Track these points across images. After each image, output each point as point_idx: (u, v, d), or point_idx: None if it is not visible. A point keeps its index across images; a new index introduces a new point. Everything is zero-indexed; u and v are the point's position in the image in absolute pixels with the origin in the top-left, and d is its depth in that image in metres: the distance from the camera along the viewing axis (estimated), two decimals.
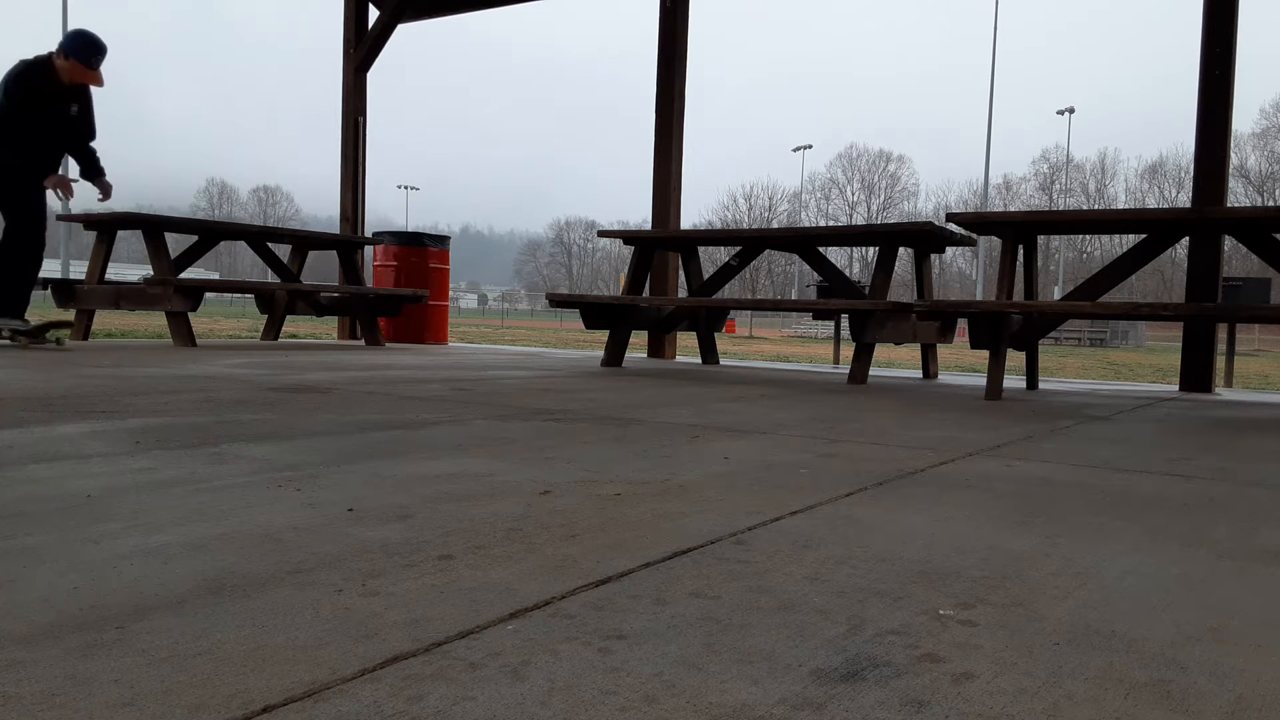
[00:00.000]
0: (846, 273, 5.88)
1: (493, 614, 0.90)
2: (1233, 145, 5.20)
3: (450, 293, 8.15)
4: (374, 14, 7.69)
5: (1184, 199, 61.24)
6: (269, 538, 1.16)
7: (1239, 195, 55.91)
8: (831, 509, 1.45)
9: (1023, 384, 4.61)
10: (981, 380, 4.99)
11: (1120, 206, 57.91)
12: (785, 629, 0.89)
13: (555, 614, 0.91)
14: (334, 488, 1.49)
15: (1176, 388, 4.96)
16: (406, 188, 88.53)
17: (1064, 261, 55.88)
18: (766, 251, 5.83)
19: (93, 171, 5.29)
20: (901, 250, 4.76)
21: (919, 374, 5.52)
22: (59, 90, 4.95)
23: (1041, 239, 4.82)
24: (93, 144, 5.28)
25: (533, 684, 0.74)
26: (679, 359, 6.59)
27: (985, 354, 3.94)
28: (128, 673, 0.73)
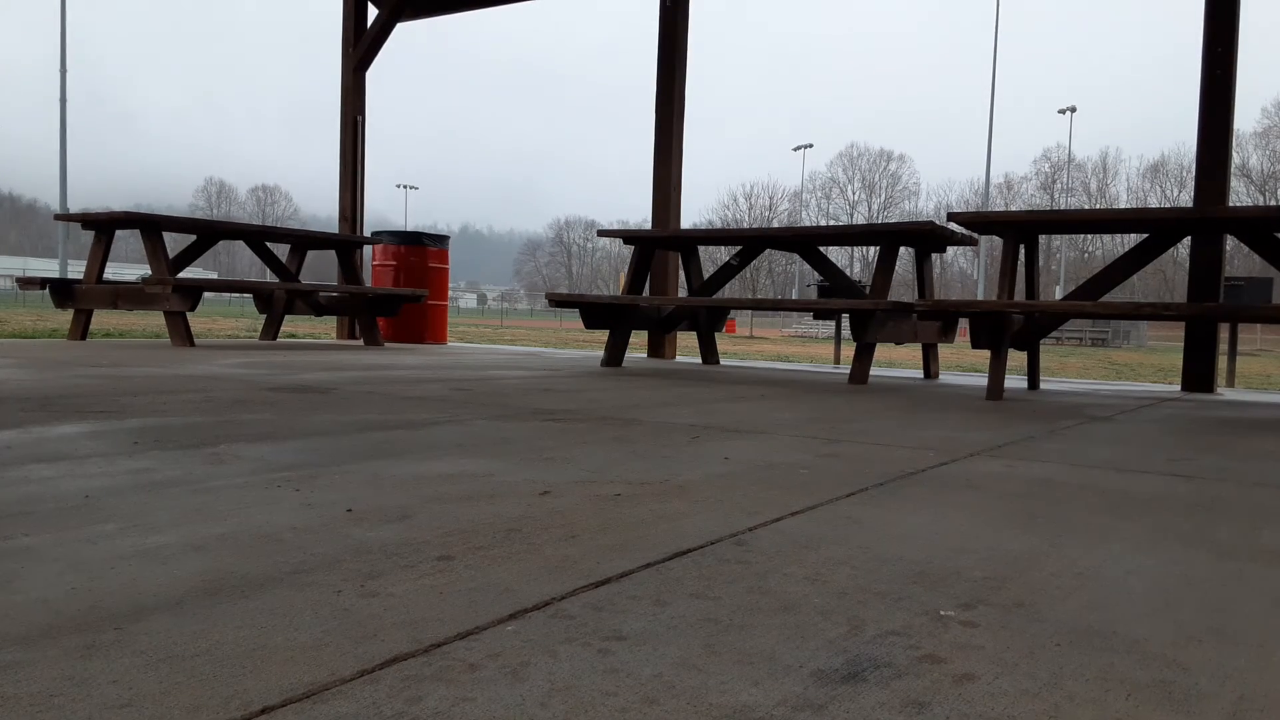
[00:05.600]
0: (847, 272, 5.88)
1: (492, 615, 0.90)
2: (1234, 144, 5.19)
3: (450, 292, 8.15)
4: (373, 13, 7.69)
5: (1186, 198, 61.24)
6: (268, 538, 1.16)
7: (1241, 195, 55.95)
8: (832, 509, 1.45)
9: (1024, 384, 4.61)
10: (983, 380, 4.99)
11: (1122, 206, 57.90)
12: (786, 630, 0.88)
13: (555, 615, 0.91)
14: (333, 488, 1.48)
15: (1178, 388, 4.96)
16: (406, 187, 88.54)
17: (1065, 261, 55.88)
18: (767, 251, 5.82)
19: None
20: (903, 250, 4.75)
21: (920, 374, 5.52)
22: None
23: (1043, 238, 4.81)
24: None
25: (532, 685, 0.74)
26: (679, 359, 6.59)
27: (986, 354, 3.94)
28: (126, 673, 0.73)
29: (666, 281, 6.46)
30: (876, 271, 4.66)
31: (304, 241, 7.04)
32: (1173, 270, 50.08)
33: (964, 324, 4.73)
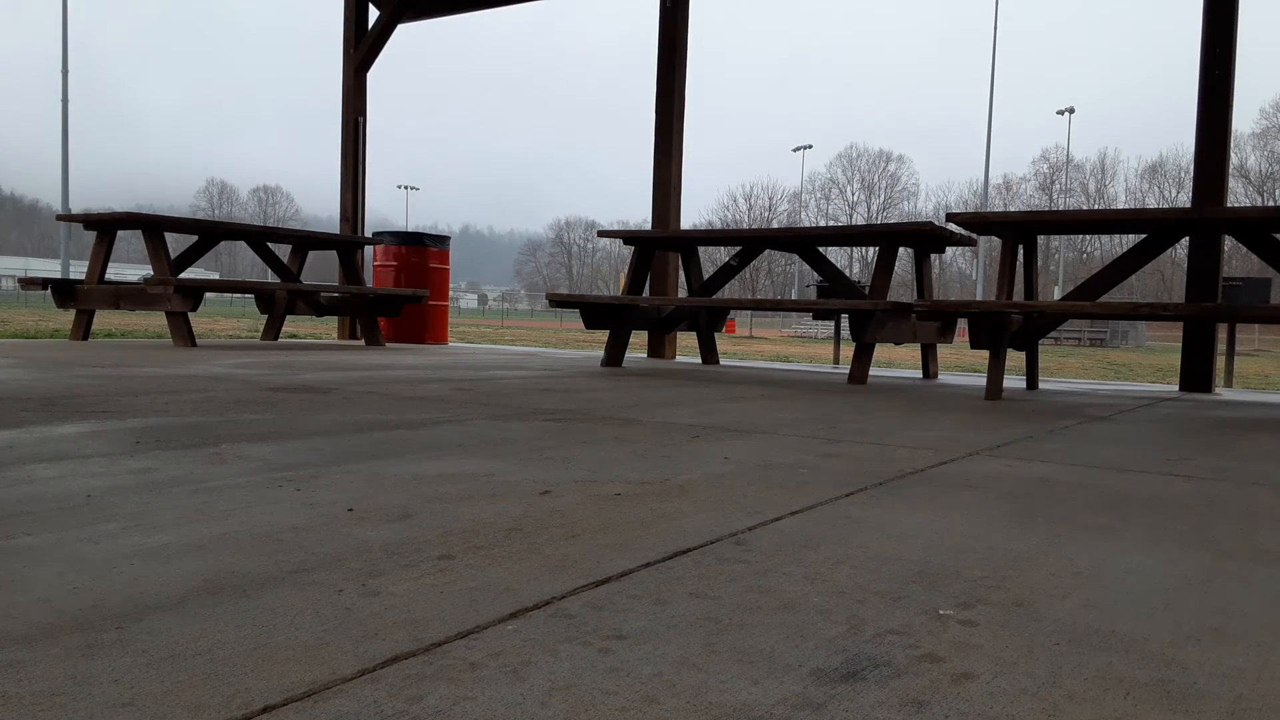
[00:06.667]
0: (846, 273, 5.88)
1: (493, 614, 0.90)
2: (1233, 145, 5.20)
3: (450, 293, 8.15)
4: (374, 14, 7.69)
5: (1184, 199, 61.20)
6: (269, 538, 1.16)
7: (1239, 195, 55.92)
8: (831, 509, 1.45)
9: (1023, 384, 4.61)
10: (981, 380, 4.99)
11: (1120, 206, 57.88)
12: (785, 629, 0.89)
13: (555, 614, 0.91)
14: (334, 488, 1.49)
15: (1177, 388, 4.96)
16: (406, 188, 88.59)
17: (1064, 261, 55.88)
18: (766, 251, 5.83)
19: None
20: (901, 250, 4.76)
21: (919, 374, 5.52)
22: None
23: (1041, 239, 4.83)
24: None
25: (533, 684, 0.74)
26: (679, 359, 6.59)
27: (985, 354, 3.94)
28: (127, 673, 0.73)
29: (666, 282, 6.46)
30: (875, 272, 4.66)
31: (305, 242, 7.04)
32: (1171, 271, 50.08)
33: (963, 324, 4.73)
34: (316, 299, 6.78)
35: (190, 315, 5.81)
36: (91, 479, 1.49)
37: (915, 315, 4.39)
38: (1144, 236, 4.07)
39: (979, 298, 19.91)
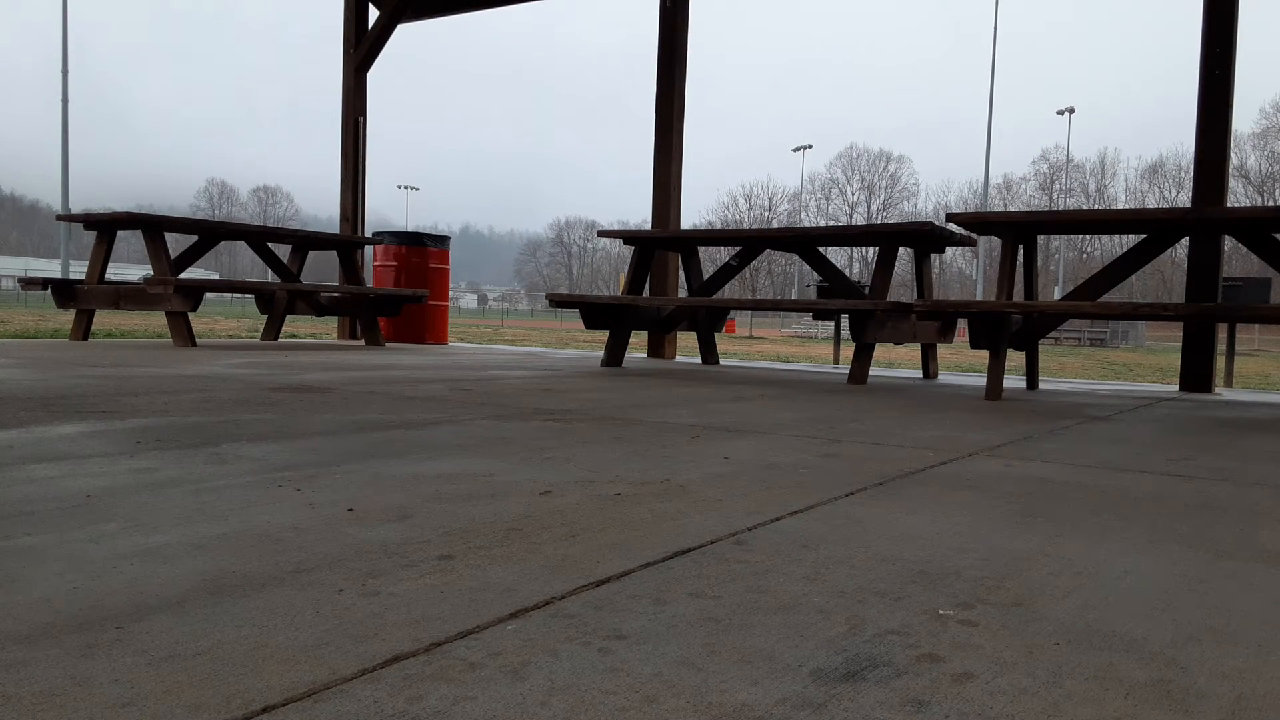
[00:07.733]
0: (846, 273, 5.88)
1: (493, 614, 0.90)
2: (1233, 145, 5.20)
3: (450, 293, 8.15)
4: (374, 14, 7.69)
5: (1184, 199, 61.22)
6: (269, 538, 1.16)
7: (1239, 195, 55.93)
8: (831, 509, 1.45)
9: (1023, 384, 4.61)
10: (981, 380, 4.99)
11: (1120, 206, 57.86)
12: (785, 629, 0.89)
13: (555, 614, 0.91)
14: (334, 488, 1.49)
15: (1177, 388, 4.96)
16: (406, 188, 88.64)
17: (1064, 261, 55.86)
18: (766, 251, 5.83)
19: None
20: (901, 250, 4.76)
21: (919, 374, 5.52)
22: None
23: (1041, 239, 4.82)
24: None
25: (533, 684, 0.74)
26: (679, 359, 6.59)
27: (985, 354, 3.94)
28: (127, 673, 0.73)
29: (666, 282, 6.46)
30: (875, 272, 4.66)
31: (305, 242, 7.04)
32: (1170, 271, 50.08)
33: (963, 324, 4.74)
34: (316, 299, 6.78)
35: (190, 315, 5.81)
36: (91, 479, 1.49)
37: (915, 315, 4.39)
38: (1144, 236, 4.07)
39: (979, 298, 19.90)
